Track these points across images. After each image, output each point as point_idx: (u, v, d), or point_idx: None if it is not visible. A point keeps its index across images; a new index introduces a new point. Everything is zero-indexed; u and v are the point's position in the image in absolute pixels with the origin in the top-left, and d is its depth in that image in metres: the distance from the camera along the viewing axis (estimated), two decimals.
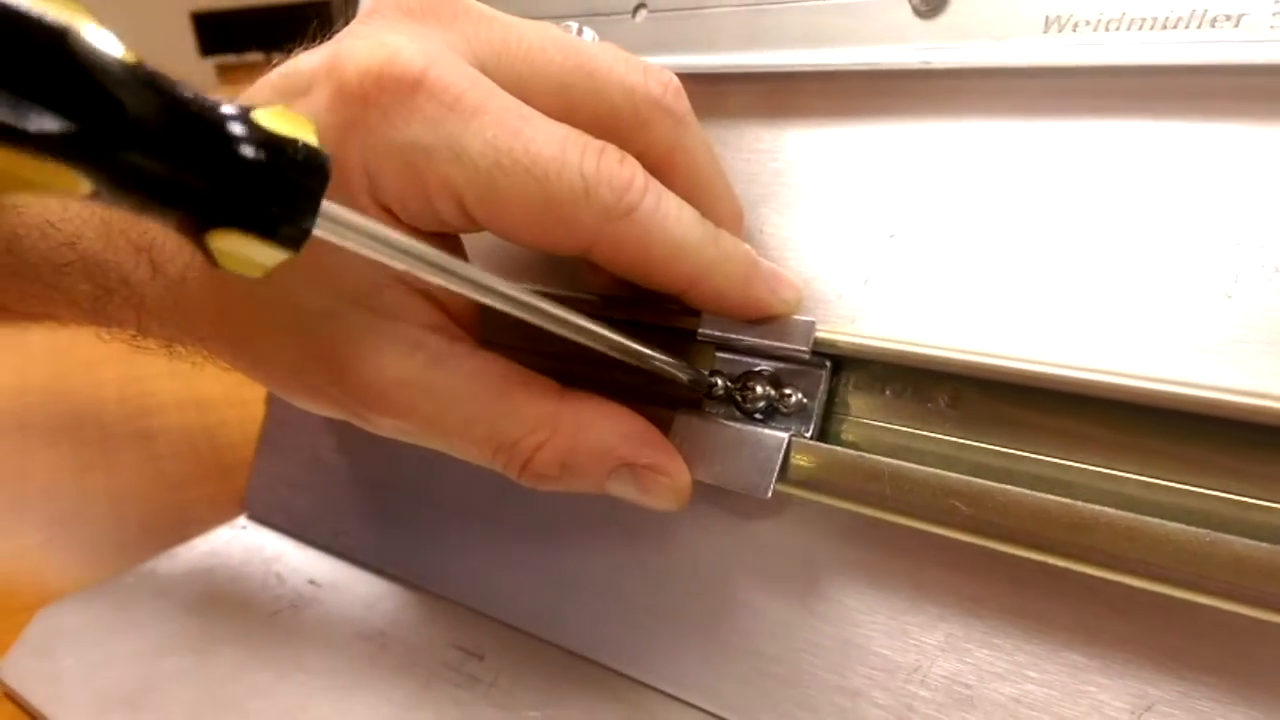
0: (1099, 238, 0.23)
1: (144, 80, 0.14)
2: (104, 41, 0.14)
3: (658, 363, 0.25)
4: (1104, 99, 0.24)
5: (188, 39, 2.66)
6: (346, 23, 0.25)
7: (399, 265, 0.20)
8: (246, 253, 0.16)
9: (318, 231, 0.17)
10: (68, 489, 0.46)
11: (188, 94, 0.15)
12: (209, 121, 0.15)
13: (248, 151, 0.16)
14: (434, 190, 0.22)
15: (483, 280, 0.21)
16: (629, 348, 0.25)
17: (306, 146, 0.17)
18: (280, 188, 0.16)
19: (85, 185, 0.14)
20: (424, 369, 0.24)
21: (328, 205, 0.17)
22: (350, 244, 0.18)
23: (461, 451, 0.26)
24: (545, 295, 0.23)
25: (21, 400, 0.57)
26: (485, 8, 0.24)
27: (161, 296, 0.27)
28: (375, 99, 0.22)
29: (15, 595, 0.38)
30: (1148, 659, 0.21)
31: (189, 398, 0.56)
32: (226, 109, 0.16)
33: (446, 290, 0.24)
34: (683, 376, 0.26)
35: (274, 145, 0.16)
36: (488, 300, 0.22)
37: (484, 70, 0.23)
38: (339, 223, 0.18)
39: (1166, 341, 0.22)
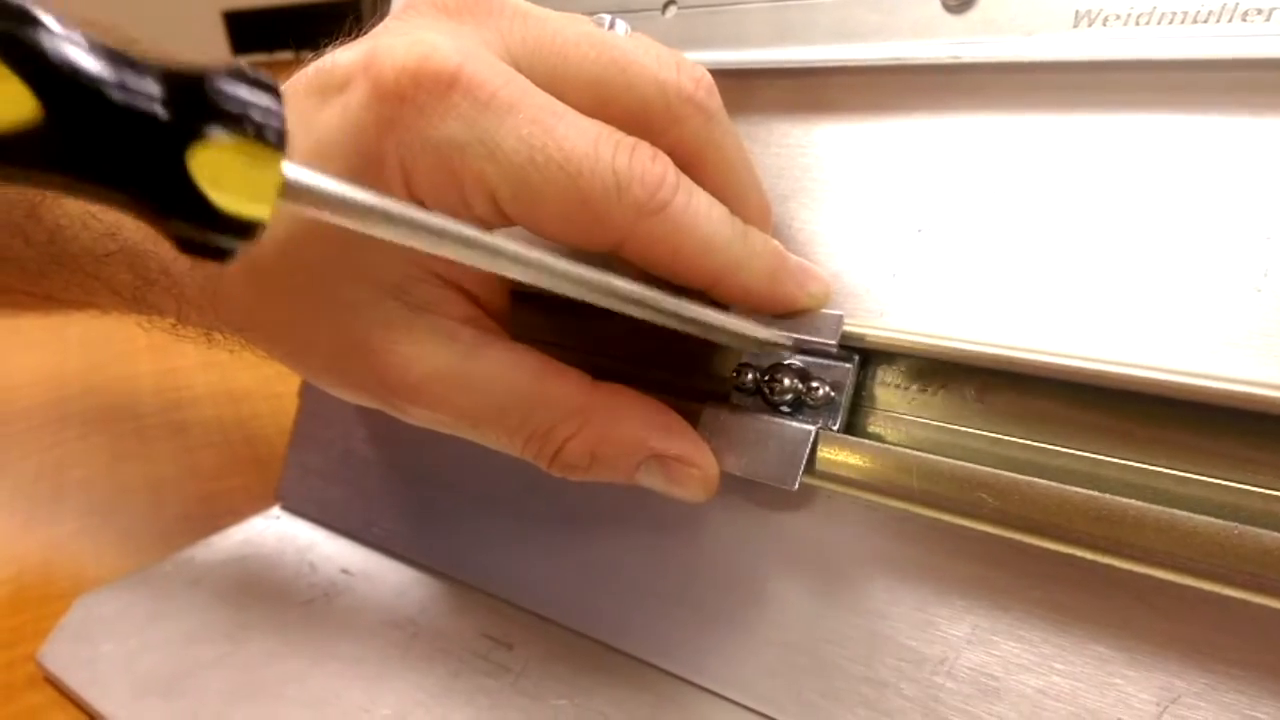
0: (1128, 232, 0.23)
1: (68, 75, 0.13)
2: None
3: (725, 327, 0.25)
4: (1134, 93, 0.24)
5: (219, 37, 2.68)
6: (380, 19, 0.25)
7: (426, 247, 0.19)
8: (201, 238, 0.15)
9: (304, 208, 0.16)
10: (104, 479, 0.47)
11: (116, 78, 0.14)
12: (136, 110, 0.14)
13: (182, 145, 0.15)
14: (468, 186, 0.23)
15: (521, 254, 0.20)
16: (690, 315, 0.24)
17: (255, 133, 0.15)
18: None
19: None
20: (457, 360, 0.25)
21: (319, 185, 0.16)
22: (349, 222, 0.17)
23: (493, 441, 0.26)
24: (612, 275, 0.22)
25: (59, 392, 0.58)
26: (520, 2, 0.25)
27: (201, 286, 0.27)
28: (411, 96, 0.22)
29: (54, 583, 0.39)
30: (1174, 651, 0.22)
31: (223, 390, 0.57)
32: (166, 90, 0.14)
33: (480, 275, 0.24)
34: (755, 334, 0.25)
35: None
36: (539, 279, 0.21)
37: (518, 66, 0.23)
38: (304, 190, 0.17)
39: (1196, 335, 0.22)
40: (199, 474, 0.47)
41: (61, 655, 0.33)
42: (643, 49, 0.25)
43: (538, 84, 0.23)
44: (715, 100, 0.25)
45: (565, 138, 0.22)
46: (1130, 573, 0.21)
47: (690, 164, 0.25)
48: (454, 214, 0.23)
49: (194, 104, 0.15)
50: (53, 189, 0.14)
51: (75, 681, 0.31)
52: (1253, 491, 0.21)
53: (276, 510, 0.41)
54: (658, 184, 0.23)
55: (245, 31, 2.66)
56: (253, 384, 0.57)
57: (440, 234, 0.19)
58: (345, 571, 0.36)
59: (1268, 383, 0.20)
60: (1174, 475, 0.22)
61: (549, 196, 0.22)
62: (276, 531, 0.39)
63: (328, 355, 0.26)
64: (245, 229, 0.15)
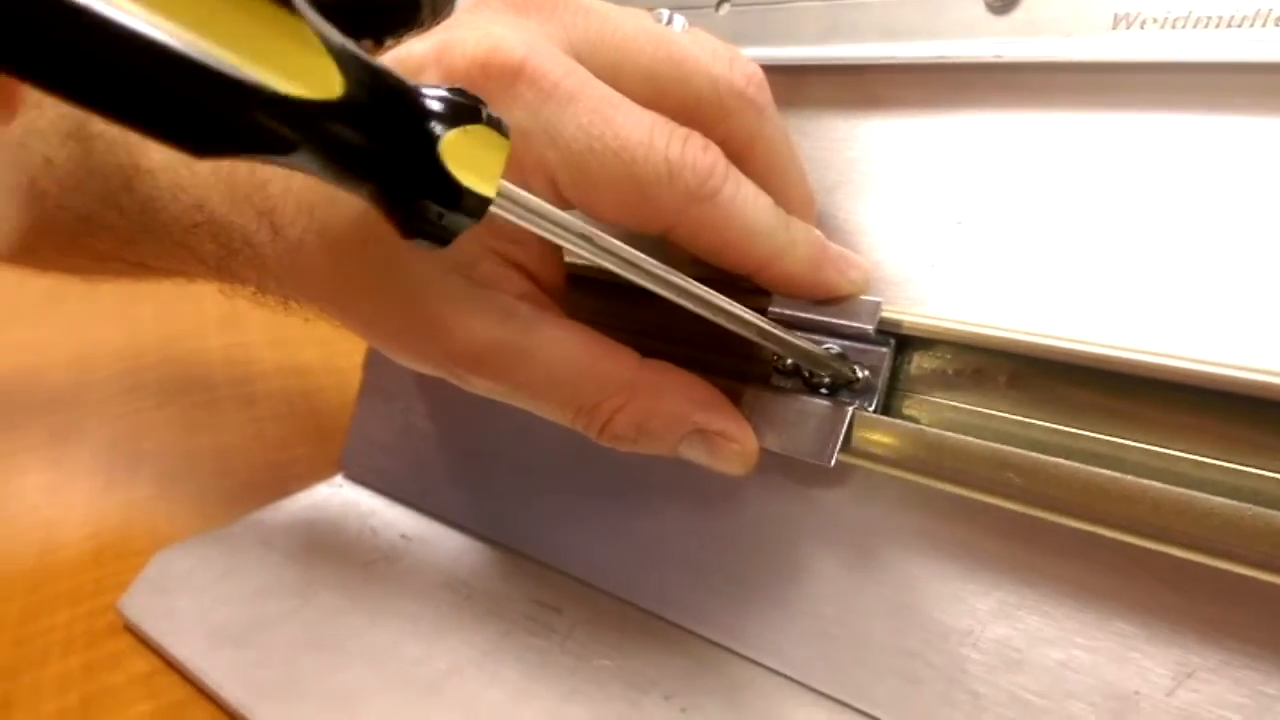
0: (1158, 227, 0.24)
1: (355, 58, 0.17)
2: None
3: (812, 354, 0.27)
4: (1170, 94, 0.25)
5: None
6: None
7: (571, 245, 0.21)
8: (437, 218, 0.19)
9: (494, 208, 0.19)
10: (177, 447, 0.50)
11: (390, 71, 0.17)
12: (408, 99, 0.18)
13: (438, 130, 0.18)
14: (530, 171, 0.24)
15: (641, 263, 0.23)
16: (787, 341, 0.26)
17: (490, 123, 0.19)
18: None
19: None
20: (517, 334, 0.26)
21: (504, 185, 0.19)
22: (521, 221, 0.20)
23: (546, 412, 0.27)
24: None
25: (134, 363, 0.61)
26: None
27: (280, 257, 0.29)
28: (480, 85, 0.24)
29: (132, 540, 0.41)
30: (1191, 628, 0.22)
31: (289, 365, 0.59)
32: (426, 89, 0.18)
33: (538, 255, 0.26)
34: (832, 364, 0.27)
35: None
36: (652, 286, 0.23)
37: (579, 58, 0.25)
38: (513, 200, 0.20)
39: (1220, 326, 0.23)
40: (266, 443, 0.50)
41: (141, 606, 0.35)
42: (698, 44, 0.26)
43: (598, 76, 0.24)
44: (766, 95, 0.26)
45: (622, 126, 0.24)
46: (1150, 551, 0.22)
47: (739, 155, 0.26)
48: None
49: (447, 101, 0.18)
50: (310, 169, 0.17)
51: (154, 630, 0.34)
52: (1267, 476, 0.21)
53: (339, 478, 0.43)
54: (708, 173, 0.24)
55: None
56: (317, 359, 0.59)
57: (601, 247, 0.22)
58: (404, 536, 0.38)
59: None
60: (1193, 459, 0.22)
61: (605, 181, 0.24)
62: (340, 498, 0.41)
63: (397, 326, 0.28)
64: (475, 209, 0.19)
